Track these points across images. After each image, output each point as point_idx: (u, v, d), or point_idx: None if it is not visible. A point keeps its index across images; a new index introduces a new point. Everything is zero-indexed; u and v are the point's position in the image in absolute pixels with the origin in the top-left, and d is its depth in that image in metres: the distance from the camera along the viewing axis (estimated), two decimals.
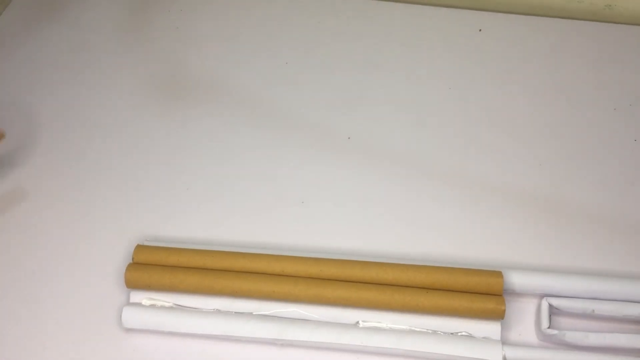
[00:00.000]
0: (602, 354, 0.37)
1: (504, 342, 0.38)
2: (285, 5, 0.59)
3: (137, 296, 0.40)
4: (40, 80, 0.54)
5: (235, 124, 0.50)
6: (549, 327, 0.38)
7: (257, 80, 0.53)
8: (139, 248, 0.41)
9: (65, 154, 0.49)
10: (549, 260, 0.42)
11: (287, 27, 0.58)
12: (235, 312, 0.39)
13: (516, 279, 0.40)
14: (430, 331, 0.38)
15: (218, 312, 0.40)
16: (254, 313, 0.39)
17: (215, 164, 0.48)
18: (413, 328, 0.38)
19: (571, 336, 0.38)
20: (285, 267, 0.40)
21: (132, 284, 0.40)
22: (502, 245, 0.43)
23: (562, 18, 0.57)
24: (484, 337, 0.38)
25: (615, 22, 0.57)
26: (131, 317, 0.39)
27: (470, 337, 0.38)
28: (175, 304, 0.40)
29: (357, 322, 0.39)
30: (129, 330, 0.39)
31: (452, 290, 0.39)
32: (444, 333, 0.38)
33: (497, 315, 0.38)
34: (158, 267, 0.40)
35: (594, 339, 0.37)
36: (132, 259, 0.41)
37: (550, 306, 0.39)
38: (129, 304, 0.40)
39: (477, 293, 0.38)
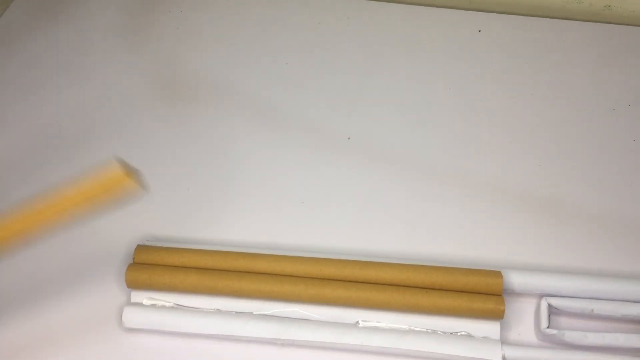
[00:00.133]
0: (601, 354, 0.37)
1: (504, 341, 0.38)
2: (285, 5, 0.59)
3: (138, 296, 0.40)
4: (41, 80, 0.54)
5: (235, 124, 0.51)
6: (548, 327, 0.38)
7: (258, 81, 0.53)
8: (139, 248, 0.41)
9: (66, 153, 0.49)
10: (548, 260, 0.42)
11: (287, 27, 0.58)
12: (235, 312, 0.40)
13: (516, 279, 0.40)
14: (429, 331, 0.38)
15: (218, 312, 0.40)
16: (255, 313, 0.39)
17: (215, 164, 0.48)
18: (413, 328, 0.39)
19: (570, 336, 0.38)
20: (285, 267, 0.40)
21: (133, 284, 0.40)
22: (502, 245, 0.43)
23: (562, 19, 0.57)
24: (483, 337, 0.38)
25: (614, 23, 0.57)
26: (132, 317, 0.39)
27: (469, 336, 0.38)
28: (176, 304, 0.40)
29: (357, 322, 0.39)
30: (130, 330, 0.39)
31: (452, 290, 0.39)
32: (444, 333, 0.38)
33: (497, 315, 0.38)
34: (158, 267, 0.40)
35: (593, 338, 0.38)
36: (133, 259, 0.41)
37: (550, 306, 0.39)
38: (129, 303, 0.40)
39: (476, 293, 0.39)
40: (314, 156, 0.48)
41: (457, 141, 0.49)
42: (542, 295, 0.40)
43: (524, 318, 0.40)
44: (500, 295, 0.38)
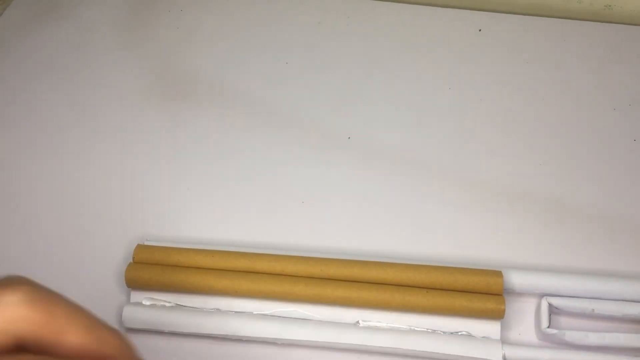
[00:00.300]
0: (601, 354, 0.37)
1: (504, 341, 0.38)
2: (285, 5, 0.59)
3: (138, 296, 0.40)
4: (40, 80, 0.54)
5: (235, 123, 0.51)
6: (548, 327, 0.38)
7: (257, 80, 0.53)
8: (139, 248, 0.41)
9: (65, 153, 0.49)
10: (549, 259, 0.42)
11: (287, 27, 0.58)
12: (235, 312, 0.39)
13: (516, 279, 0.40)
14: (430, 331, 0.38)
15: (218, 312, 0.40)
16: (254, 313, 0.39)
17: (215, 164, 0.48)
18: (413, 328, 0.39)
19: (571, 335, 0.38)
20: (285, 267, 0.40)
21: (133, 284, 0.40)
22: (502, 245, 0.43)
23: (562, 18, 0.57)
24: (483, 337, 0.38)
25: (614, 22, 0.57)
26: (132, 316, 0.39)
27: (470, 336, 0.38)
28: (176, 304, 0.40)
29: (357, 322, 0.39)
30: (130, 329, 0.39)
31: (452, 290, 0.39)
32: (444, 333, 0.38)
33: (497, 314, 0.38)
34: (158, 267, 0.40)
35: (593, 338, 0.37)
36: (133, 258, 0.41)
37: (550, 306, 0.39)
38: (129, 303, 0.40)
39: (476, 293, 0.38)
40: (314, 156, 0.48)
41: (457, 141, 0.49)
42: (542, 295, 0.40)
43: (524, 318, 0.40)
44: (500, 295, 0.38)
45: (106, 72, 0.54)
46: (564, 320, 0.40)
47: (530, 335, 0.39)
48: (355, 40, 0.56)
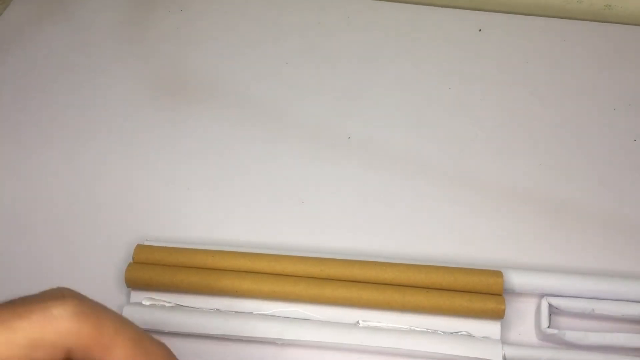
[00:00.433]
0: (602, 354, 0.37)
1: (504, 341, 0.38)
2: (285, 5, 0.59)
3: (138, 296, 0.40)
4: (40, 80, 0.54)
5: (235, 123, 0.50)
6: (548, 327, 0.38)
7: (257, 80, 0.53)
8: (139, 248, 0.41)
9: (65, 153, 0.49)
10: (549, 260, 0.42)
11: (287, 26, 0.58)
12: (235, 312, 0.39)
13: (516, 279, 0.40)
14: (430, 331, 0.38)
15: (218, 312, 0.40)
16: (255, 313, 0.39)
17: (215, 164, 0.48)
18: (413, 328, 0.39)
19: (571, 336, 0.38)
20: (285, 267, 0.40)
21: (133, 284, 0.40)
22: (502, 245, 0.43)
23: (562, 18, 0.57)
24: (483, 337, 0.38)
25: (614, 22, 0.57)
26: (132, 316, 0.39)
27: (470, 336, 0.38)
28: (176, 304, 0.40)
29: (357, 322, 0.39)
30: None
31: (452, 290, 0.39)
32: (444, 333, 0.38)
33: (497, 314, 0.38)
34: (158, 267, 0.40)
35: (593, 338, 0.37)
36: (133, 258, 0.41)
37: (550, 306, 0.39)
38: (129, 303, 0.40)
39: (477, 293, 0.38)
40: (314, 156, 0.48)
41: (457, 140, 0.49)
42: (542, 295, 0.40)
43: (524, 318, 0.40)
44: (500, 295, 0.38)
45: (106, 72, 0.54)
46: (564, 320, 0.40)
47: (530, 336, 0.39)
48: (355, 40, 0.56)
